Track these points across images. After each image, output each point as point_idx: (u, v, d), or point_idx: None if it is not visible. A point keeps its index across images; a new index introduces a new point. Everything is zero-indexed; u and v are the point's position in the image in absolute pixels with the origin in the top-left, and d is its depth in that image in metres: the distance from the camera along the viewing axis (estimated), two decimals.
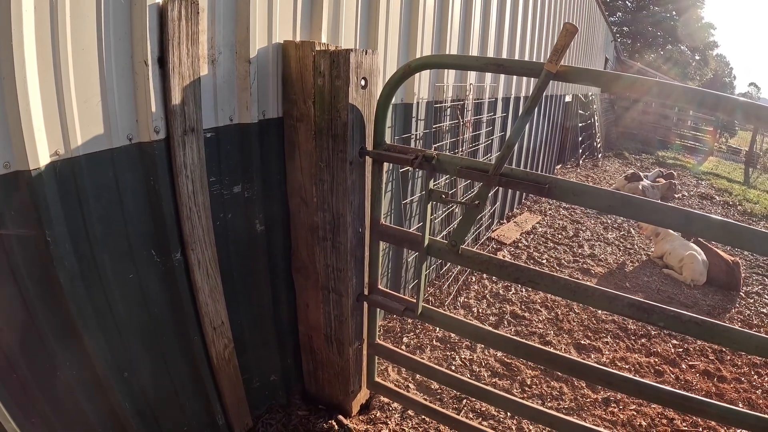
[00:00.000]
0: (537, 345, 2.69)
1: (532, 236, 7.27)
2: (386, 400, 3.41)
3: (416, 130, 4.10)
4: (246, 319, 2.91)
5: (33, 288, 1.89)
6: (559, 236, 7.42)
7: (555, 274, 2.43)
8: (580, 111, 13.83)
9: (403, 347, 4.09)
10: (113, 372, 2.23)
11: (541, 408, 2.75)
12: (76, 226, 1.99)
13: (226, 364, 2.76)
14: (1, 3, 1.62)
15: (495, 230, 7.15)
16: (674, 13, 45.73)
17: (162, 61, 2.06)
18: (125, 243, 2.19)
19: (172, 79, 2.07)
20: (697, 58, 51.07)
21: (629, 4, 45.79)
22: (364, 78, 2.47)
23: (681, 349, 4.54)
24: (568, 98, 12.06)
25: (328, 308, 2.97)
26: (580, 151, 14.08)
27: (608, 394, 3.72)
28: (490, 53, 5.46)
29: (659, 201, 10.26)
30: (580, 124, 13.96)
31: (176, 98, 2.11)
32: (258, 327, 3.01)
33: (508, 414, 3.38)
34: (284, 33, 2.64)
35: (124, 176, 2.11)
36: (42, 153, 1.80)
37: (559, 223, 8.02)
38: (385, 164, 2.85)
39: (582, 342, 4.46)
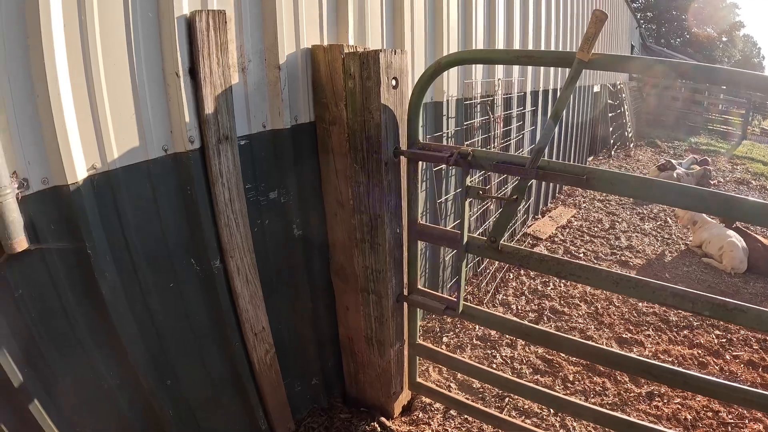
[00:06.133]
0: (580, 339, 2.61)
1: (567, 230, 7.11)
2: (428, 400, 3.35)
3: (448, 128, 4.03)
4: (286, 323, 2.88)
5: (74, 299, 1.90)
6: (595, 229, 7.24)
7: (596, 266, 2.34)
8: (609, 101, 13.53)
9: (443, 347, 4.02)
10: (155, 379, 2.22)
11: (584, 404, 2.67)
12: (116, 238, 1.99)
13: (268, 369, 2.73)
14: (33, 23, 1.62)
15: (530, 226, 7.01)
16: None
17: (193, 72, 2.04)
18: (164, 252, 2.18)
19: (204, 89, 2.05)
20: (724, 39, 49.52)
21: None
22: (394, 78, 2.41)
23: (724, 340, 4.37)
24: (596, 88, 11.80)
25: (368, 310, 2.92)
26: (612, 141, 13.73)
27: (652, 387, 3.59)
28: (516, 47, 5.36)
29: None
30: (610, 114, 13.61)
31: (209, 108, 2.09)
32: (298, 331, 2.98)
33: (551, 411, 3.29)
34: (311, 38, 2.61)
35: (161, 187, 2.10)
36: (79, 167, 1.81)
37: (594, 216, 7.83)
38: (420, 163, 2.79)
39: (623, 336, 4.32)
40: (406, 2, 3.24)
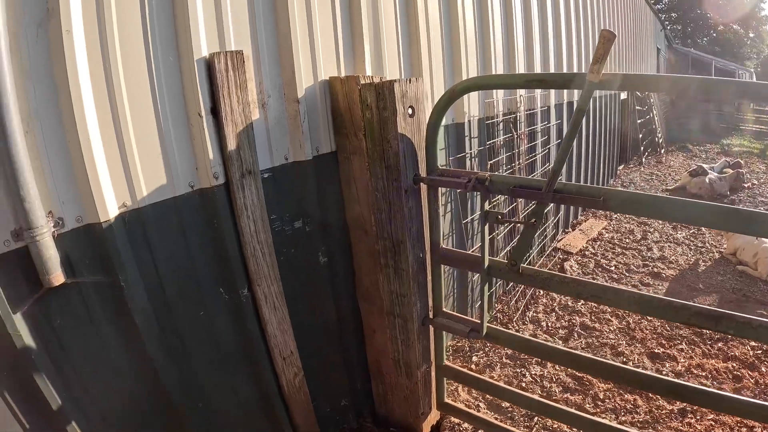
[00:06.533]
0: (601, 359, 2.58)
1: (598, 243, 7.00)
2: (457, 420, 3.32)
3: (470, 149, 4.03)
4: (314, 347, 2.91)
5: (109, 328, 2.00)
6: (627, 240, 7.11)
7: (618, 286, 2.31)
8: (637, 107, 13.26)
9: (473, 366, 4.00)
10: (188, 403, 2.30)
11: (612, 424, 2.63)
12: (148, 270, 2.08)
13: (297, 391, 2.77)
14: (60, 72, 1.72)
15: (560, 240, 6.92)
16: None
17: (215, 111, 2.12)
18: (194, 283, 2.26)
19: (225, 127, 2.12)
20: (751, 35, 47.89)
21: None
22: (410, 107, 2.44)
23: (760, 351, 4.22)
24: (623, 95, 11.58)
25: (394, 333, 2.94)
26: (642, 148, 13.43)
27: (684, 404, 3.50)
28: (537, 66, 5.31)
29: (728, 193, 9.62)
30: (639, 121, 13.31)
31: (231, 145, 2.16)
32: (327, 354, 3.01)
33: (581, 431, 3.25)
34: (329, 69, 2.67)
35: (188, 221, 2.19)
36: (110, 206, 1.91)
37: (625, 227, 7.69)
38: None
39: (656, 351, 4.22)
40: (422, 30, 3.27)
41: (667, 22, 34.15)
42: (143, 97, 1.96)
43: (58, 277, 1.80)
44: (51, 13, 1.70)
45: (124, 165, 1.94)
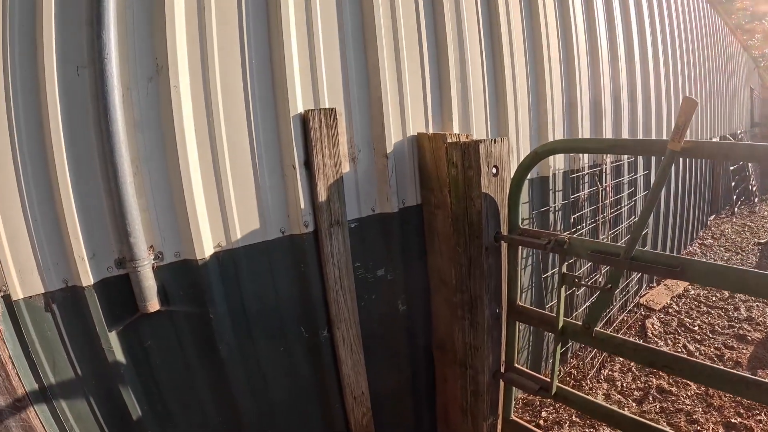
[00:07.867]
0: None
1: (683, 300, 6.57)
2: None
3: (554, 203, 3.90)
4: (386, 388, 2.89)
5: (195, 354, 2.11)
6: (714, 298, 6.61)
7: (691, 358, 2.16)
8: None
9: (541, 422, 3.82)
10: (258, 430, 2.36)
11: None
12: (235, 306, 2.17)
13: (363, 430, 2.76)
14: (167, 122, 1.86)
15: (643, 295, 6.57)
16: None
17: (308, 164, 2.19)
18: (278, 321, 2.33)
19: (317, 179, 2.19)
20: None
21: (765, 22, 40.26)
22: (495, 166, 2.41)
23: None
24: (715, 140, 10.88)
25: (464, 383, 2.87)
26: (734, 197, 12.46)
27: None
28: (624, 128, 5.06)
29: None
30: (732, 167, 12.40)
31: (322, 196, 2.22)
32: (397, 396, 2.99)
33: None
34: (417, 126, 2.68)
35: (277, 264, 2.26)
36: (207, 245, 2.01)
37: None
38: None
39: (732, 420, 3.85)
40: (509, 91, 3.23)
41: (761, 59, 31.71)
42: (242, 147, 2.06)
43: (154, 304, 1.92)
44: (160, 69, 1.84)
45: (221, 208, 2.04)
